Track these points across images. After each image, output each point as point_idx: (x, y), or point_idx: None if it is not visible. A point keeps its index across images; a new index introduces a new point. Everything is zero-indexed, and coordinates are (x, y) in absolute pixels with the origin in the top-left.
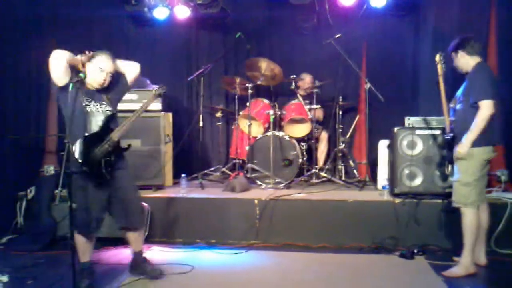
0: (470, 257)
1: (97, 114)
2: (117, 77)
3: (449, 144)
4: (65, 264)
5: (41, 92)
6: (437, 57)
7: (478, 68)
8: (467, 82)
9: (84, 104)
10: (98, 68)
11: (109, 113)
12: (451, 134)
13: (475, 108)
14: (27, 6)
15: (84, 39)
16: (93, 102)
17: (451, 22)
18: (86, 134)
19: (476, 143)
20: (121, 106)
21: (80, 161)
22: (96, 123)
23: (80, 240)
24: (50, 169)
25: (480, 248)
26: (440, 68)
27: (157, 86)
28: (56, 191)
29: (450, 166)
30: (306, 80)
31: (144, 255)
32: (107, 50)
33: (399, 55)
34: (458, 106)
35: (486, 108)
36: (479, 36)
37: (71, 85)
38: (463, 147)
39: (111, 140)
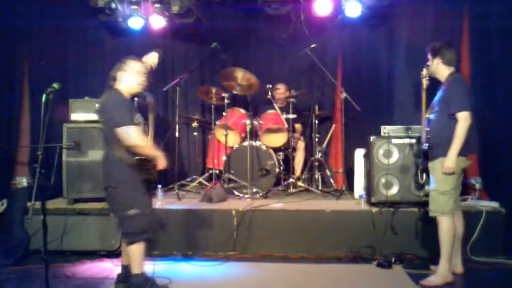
0: (448, 266)
1: None
2: None
3: (425, 154)
4: (38, 278)
5: (13, 102)
6: (424, 72)
7: (455, 79)
8: (443, 92)
9: None
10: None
11: None
12: (427, 144)
13: (453, 119)
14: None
15: (59, 50)
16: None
17: (424, 32)
18: None
19: None
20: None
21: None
22: None
23: (142, 248)
24: (22, 181)
25: (457, 256)
26: (424, 83)
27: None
28: (29, 204)
29: (425, 175)
30: (281, 90)
31: None
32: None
33: (374, 64)
34: (432, 116)
35: (464, 119)
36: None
37: (44, 96)
38: (450, 162)
39: None
